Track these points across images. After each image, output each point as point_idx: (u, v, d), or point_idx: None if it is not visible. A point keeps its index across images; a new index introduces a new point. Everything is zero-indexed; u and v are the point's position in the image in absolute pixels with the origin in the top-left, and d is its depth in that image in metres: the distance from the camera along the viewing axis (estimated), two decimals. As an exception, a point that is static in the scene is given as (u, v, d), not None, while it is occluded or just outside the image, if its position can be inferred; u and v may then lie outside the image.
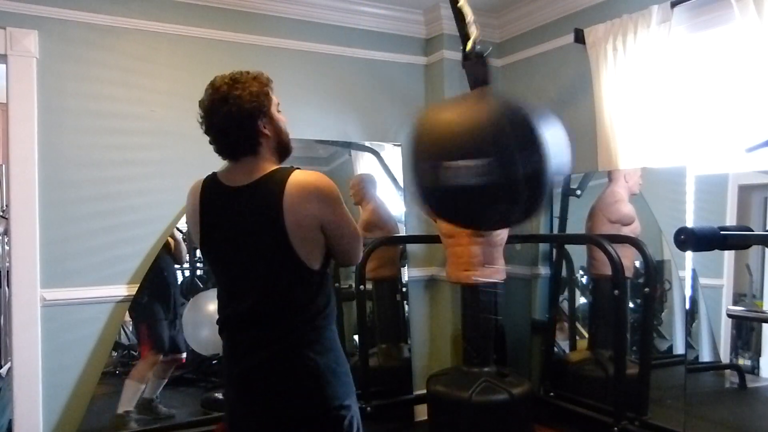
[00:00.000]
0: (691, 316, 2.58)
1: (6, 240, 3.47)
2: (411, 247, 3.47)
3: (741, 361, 2.51)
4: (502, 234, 2.82)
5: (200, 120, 1.52)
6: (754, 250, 2.40)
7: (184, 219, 2.71)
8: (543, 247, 3.30)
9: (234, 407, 1.57)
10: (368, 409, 2.98)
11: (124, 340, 2.84)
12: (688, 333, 2.60)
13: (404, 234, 3.44)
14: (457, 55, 2.97)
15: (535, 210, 1.44)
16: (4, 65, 2.56)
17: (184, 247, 2.94)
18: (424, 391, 3.00)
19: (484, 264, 2.76)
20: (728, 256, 2.50)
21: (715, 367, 2.60)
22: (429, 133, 1.35)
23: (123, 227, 2.74)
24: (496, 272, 2.80)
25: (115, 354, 2.78)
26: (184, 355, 2.91)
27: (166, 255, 2.85)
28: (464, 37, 1.63)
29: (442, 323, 3.47)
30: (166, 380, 2.87)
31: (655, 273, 2.68)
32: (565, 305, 3.22)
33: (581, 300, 3.19)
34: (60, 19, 2.64)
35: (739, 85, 2.51)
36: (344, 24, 3.29)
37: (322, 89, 3.25)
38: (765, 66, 2.26)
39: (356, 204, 3.32)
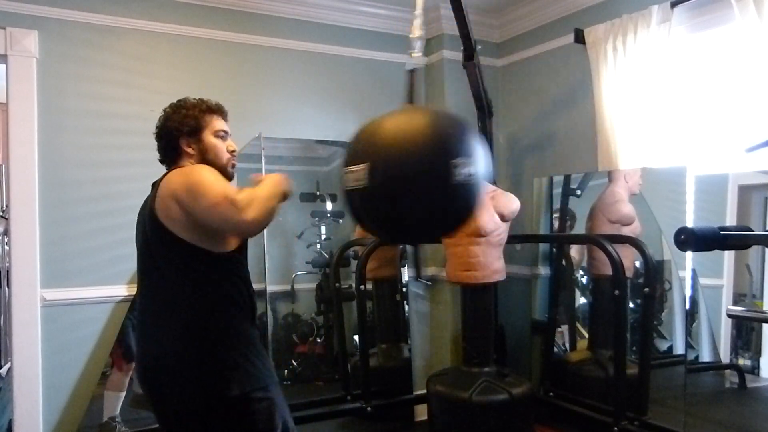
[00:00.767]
0: (691, 316, 2.58)
1: (6, 240, 3.47)
2: (411, 247, 3.46)
3: (741, 361, 2.51)
4: (502, 234, 2.82)
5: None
6: (754, 250, 2.40)
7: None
8: (543, 247, 3.30)
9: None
10: (368, 409, 2.98)
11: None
12: (688, 333, 2.60)
13: (404, 234, 3.44)
14: (457, 56, 2.99)
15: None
16: (4, 65, 2.56)
17: None
18: (424, 391, 3.01)
19: (484, 264, 2.76)
20: (728, 256, 2.50)
21: (715, 367, 2.60)
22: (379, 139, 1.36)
23: (123, 227, 2.72)
24: (496, 272, 2.81)
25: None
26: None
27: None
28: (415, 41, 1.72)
29: (442, 323, 3.47)
30: (123, 392, 2.72)
31: (655, 273, 2.68)
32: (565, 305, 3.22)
33: (581, 300, 3.20)
34: (60, 19, 2.64)
35: (739, 85, 2.51)
36: (344, 24, 3.29)
37: (322, 89, 3.25)
38: (765, 66, 2.25)
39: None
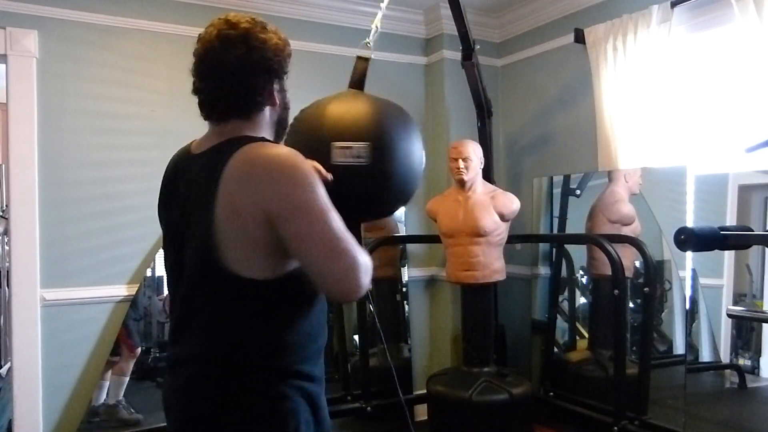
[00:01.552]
0: (691, 316, 2.57)
1: (6, 240, 3.47)
2: (411, 247, 3.46)
3: (741, 361, 2.50)
4: (503, 234, 2.82)
5: (193, 67, 1.17)
6: (754, 250, 2.40)
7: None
8: (543, 247, 3.30)
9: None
10: (368, 409, 2.98)
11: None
12: (688, 333, 2.60)
13: (404, 234, 3.44)
14: (458, 55, 2.99)
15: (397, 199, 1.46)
16: (4, 65, 2.56)
17: None
18: (424, 391, 3.01)
19: (484, 264, 2.76)
20: (728, 256, 2.50)
21: (715, 367, 2.60)
22: (319, 120, 1.46)
23: (123, 227, 2.74)
24: (496, 272, 2.81)
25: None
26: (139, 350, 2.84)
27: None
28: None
29: (442, 323, 3.47)
30: (128, 377, 2.77)
31: (655, 273, 2.68)
32: (565, 305, 3.22)
33: (581, 300, 3.19)
34: (60, 19, 2.64)
35: (738, 85, 2.51)
36: (344, 24, 3.28)
37: (322, 89, 3.23)
38: (765, 66, 2.26)
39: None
